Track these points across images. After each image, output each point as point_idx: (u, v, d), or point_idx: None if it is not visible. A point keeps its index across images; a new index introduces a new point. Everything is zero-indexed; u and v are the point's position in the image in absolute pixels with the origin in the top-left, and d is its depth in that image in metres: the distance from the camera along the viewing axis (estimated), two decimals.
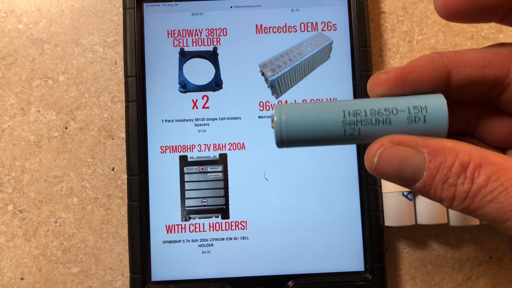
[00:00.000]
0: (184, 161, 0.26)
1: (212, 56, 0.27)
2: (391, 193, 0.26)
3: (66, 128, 0.28)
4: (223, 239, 0.26)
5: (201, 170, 0.26)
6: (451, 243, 0.28)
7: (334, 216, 0.26)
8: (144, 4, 0.27)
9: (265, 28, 0.27)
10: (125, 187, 0.28)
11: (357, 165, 0.26)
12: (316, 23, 0.27)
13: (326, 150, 0.26)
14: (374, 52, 0.28)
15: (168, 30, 0.27)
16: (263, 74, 0.27)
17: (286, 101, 0.27)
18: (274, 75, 0.27)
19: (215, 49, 0.27)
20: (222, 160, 0.26)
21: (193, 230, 0.26)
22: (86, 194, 0.28)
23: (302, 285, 0.25)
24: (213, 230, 0.26)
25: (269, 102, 0.27)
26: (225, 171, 0.26)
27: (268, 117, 0.27)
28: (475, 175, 0.14)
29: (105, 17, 0.29)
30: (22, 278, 0.27)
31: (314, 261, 0.26)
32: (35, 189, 0.28)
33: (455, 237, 0.28)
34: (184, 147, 0.26)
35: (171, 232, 0.26)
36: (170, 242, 0.26)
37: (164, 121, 0.27)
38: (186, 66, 0.27)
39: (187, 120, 0.27)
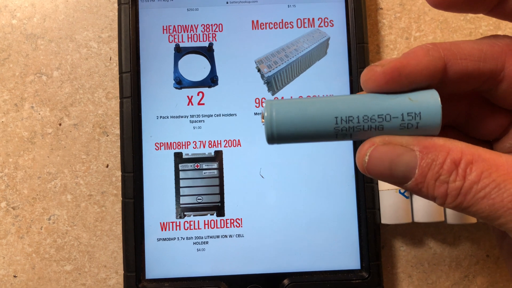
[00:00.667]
0: (179, 158, 0.26)
1: (207, 52, 0.27)
2: (388, 190, 0.26)
3: (60, 124, 0.28)
4: (218, 236, 0.26)
5: (196, 167, 0.26)
6: (448, 241, 0.27)
7: (330, 213, 0.26)
8: (139, 0, 0.27)
9: (262, 24, 0.27)
10: (119, 184, 0.27)
11: (353, 163, 0.26)
12: (313, 19, 0.27)
13: (322, 147, 0.26)
14: (372, 49, 0.28)
15: (163, 26, 0.27)
16: (259, 70, 0.27)
17: (282, 98, 0.27)
18: (270, 71, 0.26)
19: (210, 45, 0.27)
20: (218, 157, 0.26)
21: (188, 227, 0.26)
22: (80, 191, 0.27)
23: (297, 283, 0.25)
24: (208, 228, 0.26)
25: (265, 99, 0.27)
26: (220, 168, 0.26)
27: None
28: (467, 172, 0.14)
29: (100, 12, 0.28)
30: (15, 276, 0.27)
31: (310, 259, 0.26)
32: (28, 186, 0.27)
33: (452, 235, 0.27)
34: (179, 144, 0.26)
35: (165, 230, 0.26)
36: (164, 239, 0.26)
37: (159, 117, 0.26)
38: (181, 62, 0.27)
39: (182, 117, 0.26)
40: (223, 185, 0.26)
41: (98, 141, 0.28)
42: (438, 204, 0.15)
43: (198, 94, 0.26)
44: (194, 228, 0.26)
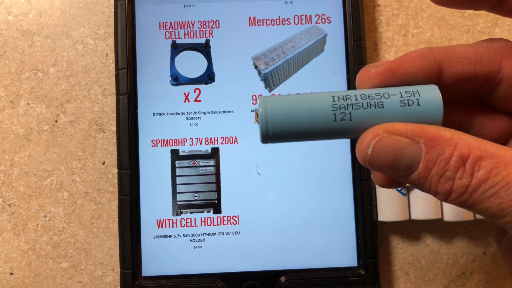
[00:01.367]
0: (175, 155, 0.26)
1: (204, 49, 0.27)
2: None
3: (56, 121, 0.28)
4: (214, 234, 0.26)
5: (192, 164, 0.26)
6: (445, 238, 0.27)
7: (327, 211, 0.26)
8: None
9: (259, 21, 0.27)
10: (115, 181, 0.27)
11: (350, 160, 0.26)
12: (310, 15, 0.27)
13: (319, 144, 0.26)
14: (369, 46, 0.28)
15: (160, 22, 0.27)
16: (256, 67, 0.26)
17: (279, 94, 0.26)
18: (267, 68, 0.26)
19: (207, 41, 0.27)
20: (214, 154, 0.26)
21: (184, 225, 0.26)
22: (76, 188, 0.27)
23: (294, 281, 0.25)
24: (205, 225, 0.26)
25: (262, 96, 0.26)
26: (217, 165, 0.26)
27: None
28: (475, 169, 0.13)
29: (96, 9, 0.28)
30: (11, 273, 0.27)
31: (307, 256, 0.26)
32: (24, 183, 0.27)
33: (449, 233, 0.27)
34: (175, 140, 0.26)
35: (162, 227, 0.26)
36: (161, 237, 0.26)
37: (155, 114, 0.26)
38: (178, 58, 0.27)
39: (178, 114, 0.26)
40: (219, 182, 0.26)
41: (95, 138, 0.27)
42: (439, 199, 0.14)
43: (194, 91, 0.26)
44: (191, 225, 0.26)
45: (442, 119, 0.14)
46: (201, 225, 0.26)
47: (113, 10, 0.28)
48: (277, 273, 0.25)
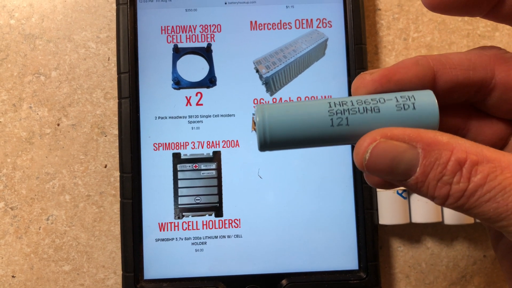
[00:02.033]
0: (177, 159, 0.26)
1: (206, 53, 0.27)
2: (386, 191, 0.26)
3: (58, 124, 0.28)
4: (216, 237, 0.26)
5: (194, 168, 0.26)
6: (445, 241, 0.28)
7: (328, 214, 0.26)
8: (138, 0, 0.27)
9: (260, 25, 0.27)
10: (117, 184, 0.27)
11: (351, 163, 0.26)
12: (311, 20, 0.27)
13: (320, 148, 0.26)
14: (370, 50, 0.28)
15: (161, 26, 0.27)
16: (257, 71, 0.27)
17: (280, 98, 0.27)
18: (268, 72, 0.26)
19: (209, 45, 0.27)
20: (216, 157, 0.26)
21: (186, 228, 0.26)
22: (78, 191, 0.27)
23: (295, 284, 0.25)
24: (207, 228, 0.26)
25: (263, 100, 0.27)
26: (218, 169, 0.26)
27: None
28: (472, 174, 0.13)
29: (98, 12, 0.28)
30: (13, 276, 0.27)
31: (308, 259, 0.26)
32: (26, 186, 0.27)
33: (450, 236, 0.28)
34: (177, 144, 0.26)
35: (164, 230, 0.26)
36: (163, 240, 0.26)
37: (157, 118, 0.26)
38: (179, 62, 0.27)
39: (180, 117, 0.26)
40: (221, 186, 0.26)
41: (97, 141, 0.28)
42: (436, 203, 0.14)
43: (196, 95, 0.26)
44: (193, 229, 0.26)
45: (438, 123, 0.15)
46: (203, 228, 0.26)
47: (115, 14, 0.28)
48: (278, 276, 0.26)
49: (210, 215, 0.26)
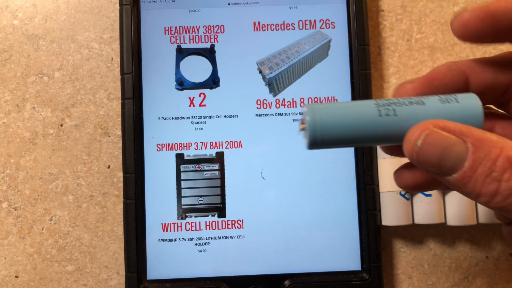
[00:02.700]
0: (180, 159, 0.26)
1: (209, 54, 0.27)
2: (389, 192, 0.26)
3: (61, 125, 0.28)
4: (219, 237, 0.26)
5: (197, 168, 0.26)
6: (448, 242, 0.28)
7: (331, 215, 0.26)
8: (141, 1, 0.27)
9: (263, 26, 0.27)
10: (121, 185, 0.27)
11: (354, 164, 0.26)
12: (315, 20, 0.27)
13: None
14: (373, 51, 0.28)
15: (165, 27, 0.27)
16: (260, 72, 0.27)
17: (283, 99, 0.27)
18: (271, 73, 0.26)
19: (212, 46, 0.27)
20: (219, 158, 0.26)
21: (189, 228, 0.26)
22: (81, 192, 0.27)
23: (298, 284, 0.25)
24: (210, 229, 0.26)
25: (266, 100, 0.27)
26: (221, 170, 0.26)
27: (266, 115, 0.26)
28: None
29: (101, 13, 0.28)
30: (16, 276, 0.27)
31: (311, 260, 0.26)
32: (30, 187, 0.27)
33: (452, 237, 0.28)
34: (180, 145, 0.26)
35: (167, 231, 0.26)
36: (166, 240, 0.26)
37: (160, 118, 0.26)
38: (183, 63, 0.27)
39: (183, 118, 0.26)
40: (224, 186, 0.26)
41: (100, 142, 0.28)
42: (479, 202, 0.14)
43: (199, 96, 0.27)
44: (196, 229, 0.26)
45: (483, 118, 0.15)
46: (206, 229, 0.26)
47: (118, 14, 0.28)
48: (281, 277, 0.26)
49: (213, 215, 0.26)
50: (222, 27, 0.27)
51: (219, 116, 0.26)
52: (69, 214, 0.27)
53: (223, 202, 0.26)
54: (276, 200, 0.26)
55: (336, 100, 0.27)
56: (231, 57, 0.27)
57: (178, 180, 0.26)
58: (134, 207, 0.25)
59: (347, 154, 0.26)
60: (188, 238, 0.26)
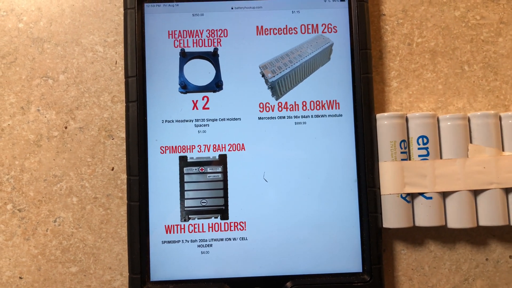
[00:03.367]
0: (183, 162, 0.26)
1: (212, 57, 0.27)
2: (390, 195, 0.26)
3: (66, 127, 0.28)
4: (222, 239, 0.26)
5: (200, 171, 0.27)
6: (448, 244, 0.28)
7: (333, 217, 0.26)
8: (145, 4, 0.27)
9: (266, 30, 0.27)
10: (124, 187, 0.28)
11: (356, 167, 0.26)
12: (317, 25, 0.27)
13: (325, 151, 0.27)
14: (374, 55, 0.29)
15: (168, 31, 0.27)
16: (263, 75, 0.27)
17: (286, 102, 0.27)
18: (274, 76, 0.27)
19: (215, 50, 0.27)
20: (222, 160, 0.27)
21: (192, 230, 0.26)
22: (85, 193, 0.28)
23: (300, 286, 0.26)
24: (212, 231, 0.26)
25: (269, 103, 0.27)
26: (224, 172, 0.26)
27: (269, 118, 0.27)
28: None
29: (106, 16, 0.29)
30: (20, 277, 0.27)
31: (313, 262, 0.26)
32: (34, 189, 0.28)
33: (452, 239, 0.28)
34: (184, 147, 0.27)
35: (170, 232, 0.26)
36: (169, 242, 0.26)
37: (164, 121, 0.27)
38: (186, 66, 0.27)
39: (187, 121, 0.27)
40: (227, 189, 0.26)
41: (104, 144, 0.28)
42: None
43: (203, 99, 0.27)
44: (199, 231, 0.26)
45: None
46: (209, 231, 0.26)
47: (122, 18, 0.28)
48: (283, 278, 0.26)
49: (216, 217, 0.26)
50: (225, 31, 0.27)
51: (222, 119, 0.27)
52: (73, 215, 0.28)
53: (226, 204, 0.26)
54: (278, 202, 0.26)
55: (338, 103, 0.27)
56: (234, 61, 0.27)
57: (181, 182, 0.26)
58: (137, 209, 0.26)
59: (348, 157, 0.27)
60: (191, 240, 0.26)
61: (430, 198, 0.26)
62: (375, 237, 0.26)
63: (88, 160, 0.28)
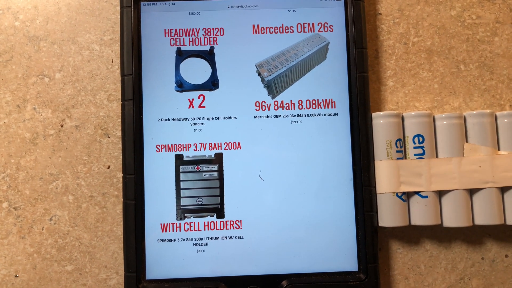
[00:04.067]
0: (179, 160, 0.26)
1: (208, 56, 0.27)
2: (385, 194, 0.26)
3: (62, 126, 0.28)
4: (218, 238, 0.26)
5: (196, 169, 0.27)
6: (444, 244, 0.28)
7: (329, 216, 0.26)
8: (141, 3, 0.27)
9: (262, 29, 0.27)
10: (120, 185, 0.28)
11: (351, 166, 0.26)
12: (313, 24, 0.27)
13: (321, 150, 0.27)
14: (370, 54, 0.29)
15: (165, 29, 0.27)
16: (259, 74, 0.27)
17: (282, 101, 0.27)
18: (270, 75, 0.27)
19: (212, 48, 0.27)
20: (218, 159, 0.27)
21: (188, 229, 0.26)
22: (81, 192, 0.28)
23: (296, 285, 0.26)
24: (208, 229, 0.26)
25: (265, 102, 0.27)
26: (220, 171, 0.26)
27: (265, 117, 0.27)
28: None
29: (102, 15, 0.29)
30: (16, 276, 0.27)
31: (308, 260, 0.26)
32: (30, 187, 0.28)
33: (448, 238, 0.28)
34: (180, 146, 0.27)
35: (166, 231, 0.26)
36: (165, 240, 0.26)
37: (160, 120, 0.27)
38: (182, 65, 0.27)
39: (183, 119, 0.27)
40: (223, 187, 0.26)
41: (100, 142, 0.28)
42: None
43: (199, 97, 0.27)
44: (194, 230, 0.26)
45: None
46: (205, 229, 0.26)
47: (119, 16, 0.28)
48: (279, 277, 0.26)
49: (212, 216, 0.26)
50: (221, 29, 0.27)
51: (218, 118, 0.27)
52: (69, 214, 0.27)
53: (222, 202, 0.26)
54: (274, 201, 0.26)
55: (334, 102, 0.27)
56: (230, 60, 0.27)
57: (177, 180, 0.26)
58: (133, 207, 0.26)
59: (344, 156, 0.27)
60: (187, 238, 0.26)
61: (426, 197, 0.26)
62: (370, 236, 0.26)
63: (84, 159, 0.28)
